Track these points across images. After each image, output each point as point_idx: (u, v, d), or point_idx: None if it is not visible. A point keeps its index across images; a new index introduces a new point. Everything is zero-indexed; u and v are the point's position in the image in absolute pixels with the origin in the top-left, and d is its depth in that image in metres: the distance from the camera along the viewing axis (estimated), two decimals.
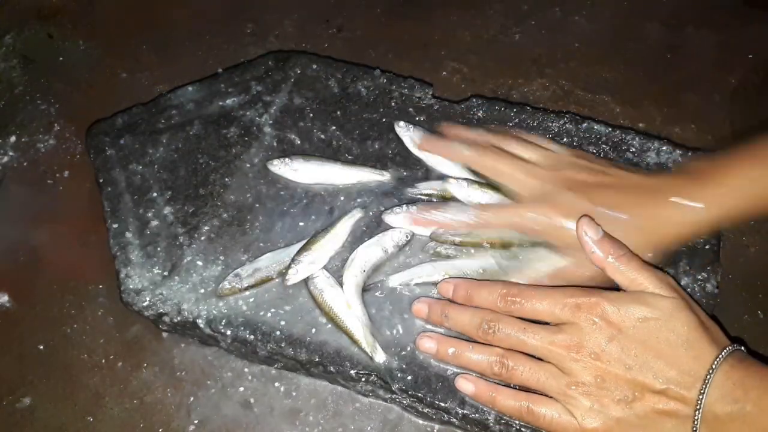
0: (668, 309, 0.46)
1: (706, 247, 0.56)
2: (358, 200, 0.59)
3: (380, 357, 0.52)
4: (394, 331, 0.53)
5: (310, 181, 0.60)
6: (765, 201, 0.50)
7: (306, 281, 0.55)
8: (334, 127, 0.63)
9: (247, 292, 0.55)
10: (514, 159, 0.56)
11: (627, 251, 0.49)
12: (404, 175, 0.60)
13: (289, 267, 0.54)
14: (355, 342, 0.52)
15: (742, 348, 0.46)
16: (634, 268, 0.48)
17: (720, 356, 0.44)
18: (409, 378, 0.51)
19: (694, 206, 0.50)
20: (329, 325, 0.53)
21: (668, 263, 0.54)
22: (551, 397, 0.47)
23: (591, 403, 0.45)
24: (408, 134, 0.61)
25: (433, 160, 0.60)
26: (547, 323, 0.48)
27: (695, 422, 0.43)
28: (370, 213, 0.58)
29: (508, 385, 0.49)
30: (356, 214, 0.58)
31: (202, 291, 0.55)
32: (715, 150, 0.58)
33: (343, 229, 0.57)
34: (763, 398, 0.42)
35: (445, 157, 0.59)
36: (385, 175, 0.60)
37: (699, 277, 0.55)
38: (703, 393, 0.43)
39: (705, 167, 0.52)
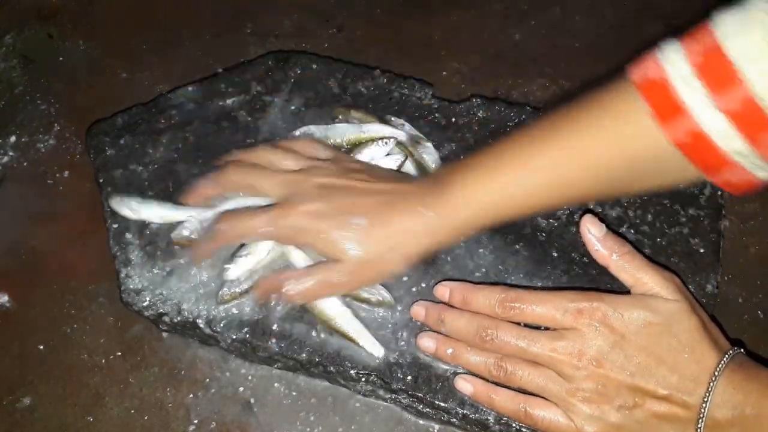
0: (671, 313, 0.45)
1: (705, 249, 0.56)
2: None
3: (380, 352, 0.52)
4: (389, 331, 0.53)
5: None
6: (501, 209, 0.49)
7: None
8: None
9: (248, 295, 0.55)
10: (259, 169, 0.54)
11: (631, 249, 0.48)
12: None
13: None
14: (353, 341, 0.52)
15: (742, 350, 0.46)
16: (638, 267, 0.48)
17: (722, 361, 0.44)
18: (409, 378, 0.52)
19: (427, 214, 0.49)
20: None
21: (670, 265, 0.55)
22: (550, 400, 0.47)
23: (591, 410, 0.45)
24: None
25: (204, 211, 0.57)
26: (546, 327, 0.48)
27: (698, 428, 0.43)
28: None
29: (508, 386, 0.50)
30: None
31: (202, 291, 0.55)
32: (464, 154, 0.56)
33: None
34: (761, 402, 0.42)
35: (198, 203, 0.57)
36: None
37: (699, 277, 0.55)
38: (707, 399, 0.43)
39: (447, 175, 0.50)
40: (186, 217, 0.57)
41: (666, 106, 0.42)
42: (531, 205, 0.49)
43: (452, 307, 0.51)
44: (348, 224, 0.49)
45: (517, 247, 0.56)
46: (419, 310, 0.52)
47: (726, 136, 0.40)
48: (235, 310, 0.54)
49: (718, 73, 0.40)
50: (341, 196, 0.51)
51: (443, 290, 0.52)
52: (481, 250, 0.56)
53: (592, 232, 0.49)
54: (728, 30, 0.40)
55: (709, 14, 0.42)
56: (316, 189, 0.52)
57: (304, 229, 0.50)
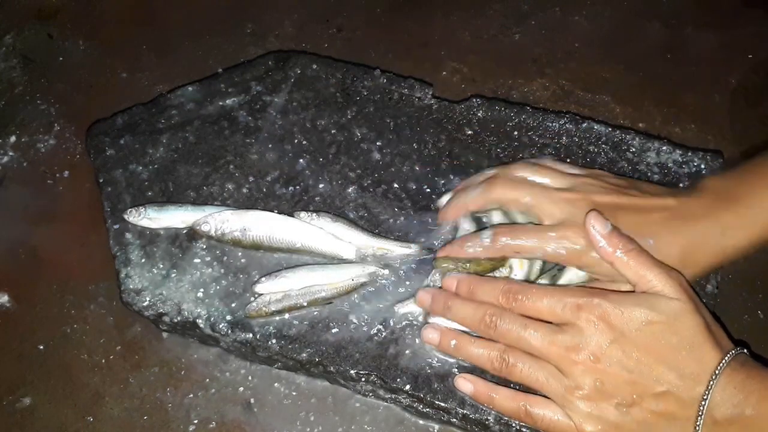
0: (673, 312, 0.45)
1: None
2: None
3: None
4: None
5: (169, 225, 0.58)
6: None
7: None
8: (334, 131, 0.63)
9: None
10: (531, 185, 0.52)
11: (636, 246, 0.48)
12: None
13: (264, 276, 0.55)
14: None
15: (745, 351, 0.45)
16: (643, 264, 0.47)
17: (723, 361, 0.43)
18: (409, 378, 0.52)
19: (724, 231, 0.48)
20: (329, 325, 0.53)
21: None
22: (550, 398, 0.47)
23: (589, 408, 0.45)
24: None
25: (460, 226, 0.55)
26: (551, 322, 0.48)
27: (697, 427, 0.43)
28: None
29: (507, 385, 0.50)
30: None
31: (202, 291, 0.55)
32: (733, 160, 0.57)
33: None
34: (762, 402, 0.42)
35: (458, 214, 0.55)
36: (412, 248, 0.56)
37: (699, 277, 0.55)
38: (706, 398, 0.43)
39: (732, 186, 0.50)
40: (205, 217, 0.57)
41: None
42: None
43: (459, 296, 0.51)
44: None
45: None
46: (425, 297, 0.53)
47: None
48: (235, 311, 0.54)
49: None
50: (626, 215, 0.49)
51: (451, 281, 0.52)
52: None
53: (596, 228, 0.49)
54: None
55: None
56: (593, 207, 0.49)
57: (589, 252, 0.49)
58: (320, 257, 0.56)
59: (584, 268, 0.50)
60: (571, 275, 0.52)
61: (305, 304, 0.54)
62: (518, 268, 0.52)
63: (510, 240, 0.50)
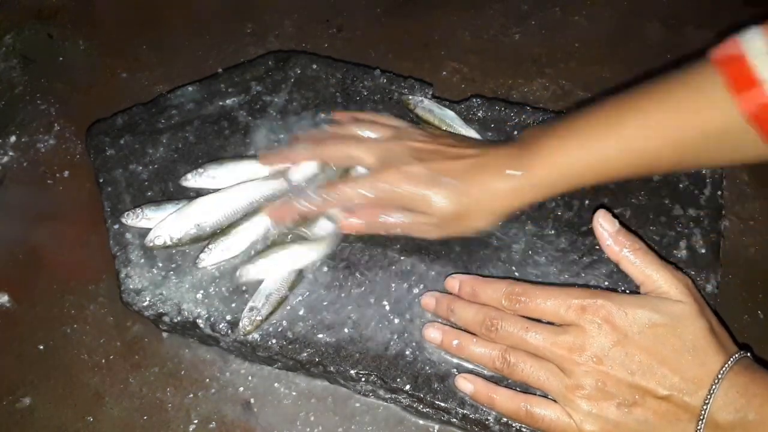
0: (677, 315, 0.45)
1: (705, 249, 0.56)
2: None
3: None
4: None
5: (232, 183, 0.59)
6: (582, 175, 0.51)
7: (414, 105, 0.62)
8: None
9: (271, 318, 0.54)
10: (357, 139, 0.57)
11: (643, 245, 0.48)
12: None
13: (202, 251, 0.56)
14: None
15: (749, 354, 0.45)
16: (650, 264, 0.47)
17: (727, 364, 0.43)
18: (409, 378, 0.52)
19: (513, 175, 0.52)
20: (329, 325, 0.53)
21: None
22: (551, 398, 0.47)
23: (590, 408, 0.45)
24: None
25: (287, 174, 0.59)
26: (553, 323, 0.48)
27: (698, 430, 0.43)
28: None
29: (508, 385, 0.50)
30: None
31: (202, 291, 0.55)
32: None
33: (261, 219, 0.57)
34: (765, 407, 0.42)
35: (290, 164, 0.59)
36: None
37: (699, 277, 0.55)
38: (708, 401, 0.43)
39: (533, 140, 0.53)
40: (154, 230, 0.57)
41: (741, 78, 0.45)
42: (609, 173, 0.51)
43: (462, 299, 0.52)
44: (441, 183, 0.52)
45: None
46: (430, 301, 0.53)
47: None
48: (234, 311, 0.54)
49: None
50: (433, 159, 0.54)
51: (453, 282, 0.53)
52: None
53: (604, 226, 0.49)
54: None
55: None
56: (409, 153, 0.54)
57: (402, 191, 0.53)
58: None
59: (400, 207, 0.54)
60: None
61: (287, 293, 0.54)
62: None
63: (337, 195, 0.55)
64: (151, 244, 0.56)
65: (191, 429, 0.55)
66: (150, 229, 0.57)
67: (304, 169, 0.58)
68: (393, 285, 0.55)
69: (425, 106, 0.62)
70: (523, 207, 0.54)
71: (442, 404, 0.51)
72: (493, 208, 0.53)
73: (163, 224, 0.57)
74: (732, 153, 0.49)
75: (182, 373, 0.57)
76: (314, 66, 0.67)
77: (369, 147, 0.56)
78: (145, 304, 0.55)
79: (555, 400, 0.47)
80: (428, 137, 0.56)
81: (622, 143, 0.50)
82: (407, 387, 0.51)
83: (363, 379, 0.52)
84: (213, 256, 0.56)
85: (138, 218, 0.58)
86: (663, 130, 0.48)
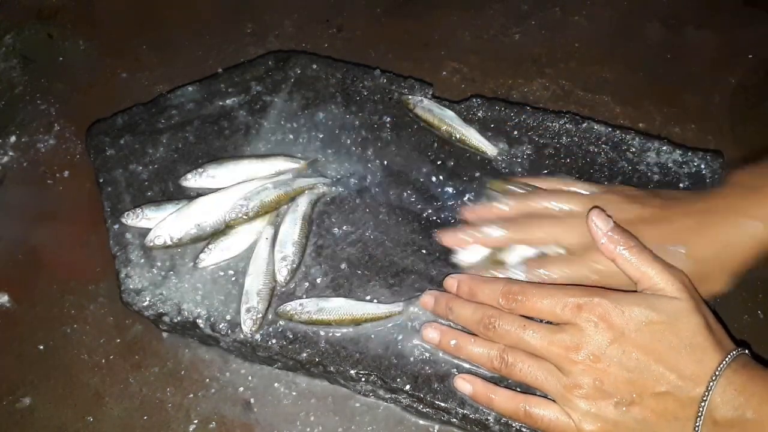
0: (674, 312, 0.45)
1: None
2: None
3: (494, 151, 0.59)
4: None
5: (231, 183, 0.59)
6: None
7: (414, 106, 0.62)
8: (336, 130, 0.63)
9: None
10: (550, 219, 0.53)
11: (638, 243, 0.48)
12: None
13: (202, 251, 0.56)
14: (471, 147, 0.60)
15: (746, 351, 0.45)
16: (645, 261, 0.47)
17: (724, 362, 0.43)
18: (409, 378, 0.52)
19: (755, 224, 0.47)
20: (328, 325, 0.53)
21: None
22: (549, 398, 0.47)
23: (588, 406, 0.45)
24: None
25: (467, 254, 0.55)
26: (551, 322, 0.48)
27: (696, 428, 0.43)
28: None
29: (508, 385, 0.50)
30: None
31: (202, 291, 0.55)
32: (746, 159, 0.55)
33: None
34: (763, 406, 0.42)
35: (472, 246, 0.55)
36: (301, 163, 0.60)
37: None
38: (706, 399, 0.43)
39: (756, 180, 0.49)
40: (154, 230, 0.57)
41: None
42: None
43: (460, 298, 0.52)
44: (669, 256, 0.48)
45: None
46: (428, 300, 0.53)
47: None
48: (234, 310, 0.54)
49: None
50: (651, 228, 0.49)
51: (452, 282, 0.53)
52: None
53: (598, 225, 0.49)
54: None
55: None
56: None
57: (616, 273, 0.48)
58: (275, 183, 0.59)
59: (613, 286, 0.49)
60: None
61: (273, 282, 0.55)
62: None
63: (556, 276, 0.51)
64: (151, 244, 0.56)
65: (191, 429, 0.55)
66: (150, 229, 0.57)
67: (478, 252, 0.54)
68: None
69: (425, 106, 0.62)
70: (764, 256, 0.49)
71: (442, 404, 0.51)
72: (733, 265, 0.48)
73: (163, 224, 0.57)
74: None
75: (182, 373, 0.57)
76: (314, 66, 0.67)
77: (569, 225, 0.51)
78: (145, 304, 0.55)
79: (554, 400, 0.47)
80: (628, 199, 0.51)
81: None
82: (407, 387, 0.51)
83: (363, 379, 0.52)
84: (213, 256, 0.56)
85: (138, 218, 0.58)
86: None
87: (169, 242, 0.56)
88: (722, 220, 0.48)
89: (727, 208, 0.49)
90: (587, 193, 0.54)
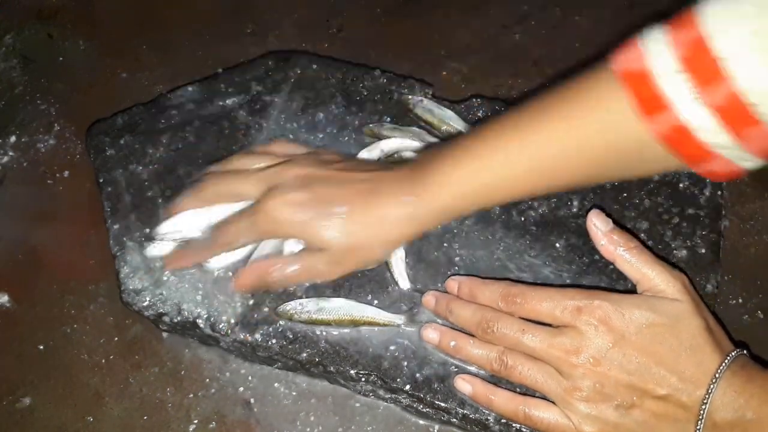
0: (674, 314, 0.45)
1: (705, 249, 0.56)
2: None
3: (405, 284, 0.54)
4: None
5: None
6: (481, 196, 0.49)
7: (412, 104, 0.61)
8: (335, 130, 0.63)
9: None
10: (238, 173, 0.55)
11: (638, 244, 0.48)
12: None
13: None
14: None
15: (744, 352, 0.45)
16: (645, 263, 0.47)
17: (724, 363, 0.43)
18: (409, 378, 0.52)
19: (408, 201, 0.49)
20: (328, 325, 0.53)
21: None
22: (549, 400, 0.47)
23: (589, 409, 0.45)
24: None
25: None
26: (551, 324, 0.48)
27: (697, 430, 0.43)
28: None
29: (508, 386, 0.50)
30: None
31: (202, 291, 0.55)
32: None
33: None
34: (763, 406, 0.42)
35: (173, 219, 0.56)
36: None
37: (699, 277, 0.55)
38: (706, 401, 0.43)
39: (427, 162, 0.50)
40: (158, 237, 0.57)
41: (649, 99, 0.41)
42: (511, 192, 0.49)
43: (461, 299, 0.52)
44: (329, 213, 0.50)
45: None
46: (430, 300, 0.53)
47: (711, 132, 0.39)
48: (234, 311, 0.54)
49: (703, 68, 0.38)
50: (321, 186, 0.51)
51: (453, 283, 0.53)
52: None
53: (598, 226, 0.49)
54: (716, 22, 0.38)
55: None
56: (294, 180, 0.51)
57: (285, 221, 0.50)
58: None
59: (286, 238, 0.53)
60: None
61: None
62: None
63: (216, 237, 0.53)
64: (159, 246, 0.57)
65: (191, 429, 0.55)
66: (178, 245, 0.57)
67: (189, 221, 0.55)
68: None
69: (425, 106, 0.62)
70: (421, 233, 0.52)
71: (442, 404, 0.51)
72: (388, 238, 0.51)
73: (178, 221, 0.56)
74: (644, 167, 0.47)
75: (182, 373, 0.57)
76: (314, 66, 0.67)
77: (248, 177, 0.53)
78: (145, 304, 0.55)
79: (554, 402, 0.47)
80: (318, 162, 0.53)
81: (522, 161, 0.47)
82: (407, 387, 0.51)
83: (363, 379, 0.52)
84: (219, 259, 0.55)
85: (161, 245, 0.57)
86: (566, 147, 0.45)
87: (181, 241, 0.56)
88: (385, 193, 0.50)
89: (392, 182, 0.51)
90: (294, 152, 0.56)
